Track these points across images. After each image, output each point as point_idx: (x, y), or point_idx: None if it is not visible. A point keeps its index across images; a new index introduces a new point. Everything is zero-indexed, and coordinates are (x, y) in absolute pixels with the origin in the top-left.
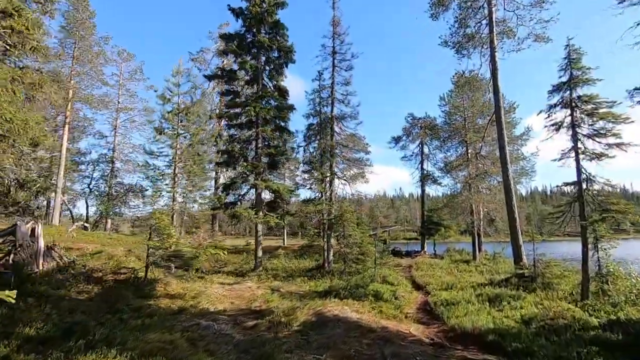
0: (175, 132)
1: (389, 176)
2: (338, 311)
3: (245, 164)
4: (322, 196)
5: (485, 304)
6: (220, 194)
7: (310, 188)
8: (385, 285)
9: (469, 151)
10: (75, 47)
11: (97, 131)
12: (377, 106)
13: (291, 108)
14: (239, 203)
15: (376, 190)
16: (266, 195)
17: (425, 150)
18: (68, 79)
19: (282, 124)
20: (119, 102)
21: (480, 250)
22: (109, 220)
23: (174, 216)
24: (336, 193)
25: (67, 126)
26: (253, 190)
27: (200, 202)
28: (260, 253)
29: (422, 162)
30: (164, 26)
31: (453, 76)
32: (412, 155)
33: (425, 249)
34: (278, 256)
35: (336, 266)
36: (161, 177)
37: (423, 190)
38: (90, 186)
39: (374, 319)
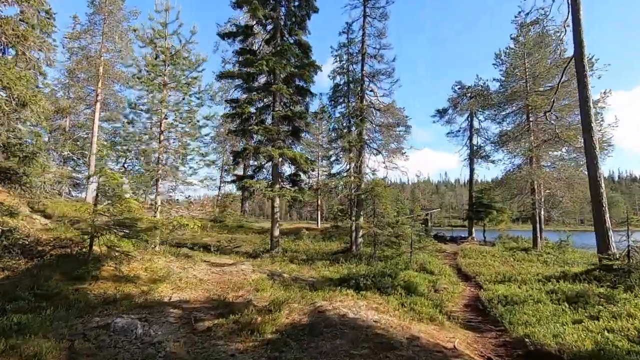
0: (161, 82)
1: (434, 161)
2: (348, 308)
3: (257, 127)
4: (349, 168)
5: (563, 304)
6: (235, 158)
7: (337, 159)
8: (422, 275)
9: (531, 119)
10: (104, 23)
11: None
12: (419, 80)
13: (314, 66)
14: (255, 177)
15: (418, 172)
16: (287, 169)
17: (475, 124)
18: (98, 55)
19: (304, 84)
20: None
21: (541, 237)
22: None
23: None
24: (367, 165)
25: (98, 103)
26: (271, 163)
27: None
28: (276, 232)
29: (470, 137)
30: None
31: (515, 17)
32: (459, 131)
33: (474, 235)
34: (302, 237)
35: (366, 250)
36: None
37: (472, 169)
38: (126, 165)
39: (400, 323)
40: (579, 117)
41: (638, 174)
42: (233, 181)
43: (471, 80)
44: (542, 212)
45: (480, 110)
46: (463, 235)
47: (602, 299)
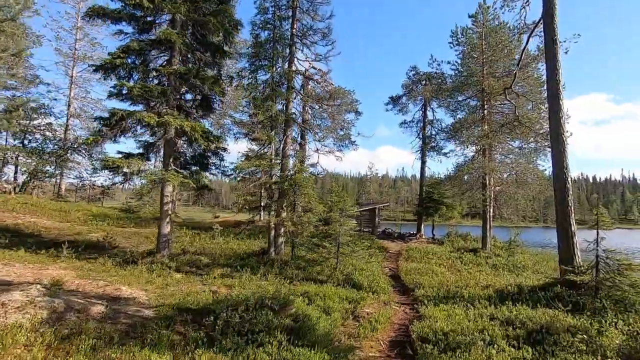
0: None
1: (396, 158)
2: None
3: (133, 86)
4: (269, 150)
5: (525, 348)
6: (100, 128)
7: (255, 139)
8: (342, 291)
9: (486, 107)
10: None
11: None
12: (372, 64)
13: (228, 15)
14: (145, 154)
15: (371, 164)
16: (197, 148)
17: (429, 114)
18: None
19: (214, 38)
20: (75, 49)
21: (489, 237)
22: (62, 183)
23: None
24: (292, 148)
25: None
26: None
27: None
28: (166, 229)
29: (423, 127)
30: None
31: None
32: (412, 121)
33: (422, 232)
34: (215, 235)
35: (289, 252)
36: None
37: (423, 162)
38: (25, 141)
39: None
40: (535, 105)
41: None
42: (104, 162)
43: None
44: (491, 210)
45: (434, 97)
46: (412, 232)
47: (575, 338)
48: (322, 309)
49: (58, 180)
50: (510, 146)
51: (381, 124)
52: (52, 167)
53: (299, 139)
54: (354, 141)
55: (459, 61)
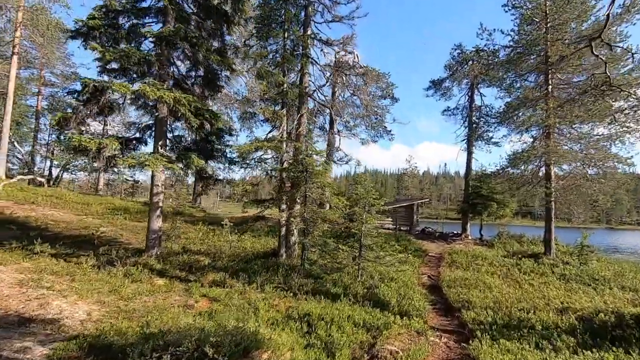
0: None
1: (438, 154)
2: None
3: (114, 51)
4: (279, 131)
5: None
6: (74, 102)
7: (268, 119)
8: (361, 311)
9: (550, 81)
10: None
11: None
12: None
13: None
14: (142, 137)
15: (409, 157)
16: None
17: (477, 100)
18: None
19: (223, 7)
20: None
21: (552, 239)
22: (101, 177)
23: None
24: (308, 129)
25: (15, 56)
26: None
27: None
28: (156, 225)
29: (470, 113)
30: None
31: None
32: (456, 109)
33: (468, 232)
34: (223, 231)
35: (307, 254)
36: None
37: (469, 153)
38: (61, 136)
39: None
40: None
41: None
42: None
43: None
44: (554, 207)
45: (483, 78)
46: (456, 232)
47: None
48: (322, 345)
49: (98, 174)
50: (578, 132)
51: (422, 117)
52: (84, 161)
53: (326, 126)
54: (390, 130)
55: (515, 28)
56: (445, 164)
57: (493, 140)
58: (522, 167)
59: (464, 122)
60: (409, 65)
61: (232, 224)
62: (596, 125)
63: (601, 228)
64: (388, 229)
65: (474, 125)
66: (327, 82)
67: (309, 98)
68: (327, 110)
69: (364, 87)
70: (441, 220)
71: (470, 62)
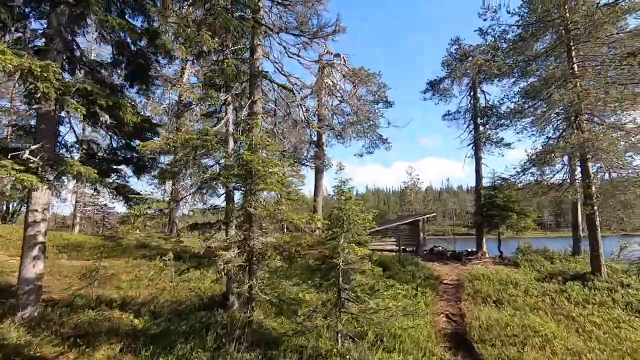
0: None
1: (439, 169)
2: None
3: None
4: (222, 124)
5: None
6: None
7: (210, 114)
8: None
9: (575, 57)
10: None
11: None
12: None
13: None
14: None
15: (409, 169)
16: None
17: (481, 100)
18: None
19: None
20: None
21: (601, 254)
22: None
23: None
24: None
25: None
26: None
27: None
28: (33, 270)
29: (474, 113)
30: None
31: None
32: (458, 112)
33: (485, 249)
34: (164, 267)
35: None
36: None
37: (478, 159)
38: None
39: None
40: None
41: None
42: None
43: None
44: (597, 212)
45: (488, 69)
46: (470, 250)
47: None
48: None
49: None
50: (615, 119)
51: (422, 133)
52: None
53: (314, 138)
54: (386, 138)
55: (523, 3)
56: (448, 179)
57: (504, 142)
58: (547, 169)
59: (467, 126)
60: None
61: (171, 258)
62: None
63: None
64: (391, 251)
65: (480, 125)
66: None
67: (263, 79)
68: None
69: (352, 90)
70: (450, 237)
71: (470, 58)
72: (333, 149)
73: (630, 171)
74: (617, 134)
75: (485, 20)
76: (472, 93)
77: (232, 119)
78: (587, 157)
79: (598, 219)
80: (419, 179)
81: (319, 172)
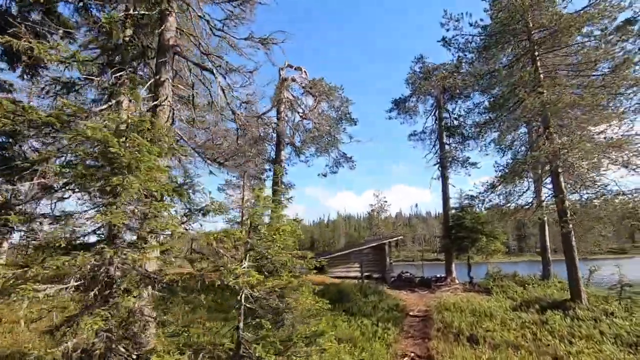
0: None
1: (409, 196)
2: None
3: None
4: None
5: None
6: None
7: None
8: None
9: (539, 63)
10: None
11: None
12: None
13: None
14: None
15: (376, 192)
16: None
17: (447, 118)
18: None
19: None
20: None
21: (579, 278)
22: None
23: None
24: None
25: None
26: None
27: None
28: None
29: (440, 132)
30: None
31: None
32: (424, 133)
33: (454, 275)
34: None
35: None
36: None
37: (444, 179)
38: None
39: None
40: None
41: None
42: None
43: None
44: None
45: (453, 77)
46: (439, 276)
47: None
48: None
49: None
50: (585, 131)
51: (395, 160)
52: None
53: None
54: (350, 157)
55: (487, 11)
56: (417, 205)
57: (470, 160)
58: (514, 187)
59: (433, 146)
60: (369, 88)
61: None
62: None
63: (613, 258)
64: (356, 277)
65: (446, 145)
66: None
67: (175, 55)
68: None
69: (314, 104)
70: (418, 262)
71: (434, 77)
72: (296, 169)
73: (600, 187)
74: (590, 145)
75: (448, 30)
76: (437, 112)
77: (126, 104)
78: (559, 170)
79: (574, 239)
80: (386, 202)
81: (276, 193)
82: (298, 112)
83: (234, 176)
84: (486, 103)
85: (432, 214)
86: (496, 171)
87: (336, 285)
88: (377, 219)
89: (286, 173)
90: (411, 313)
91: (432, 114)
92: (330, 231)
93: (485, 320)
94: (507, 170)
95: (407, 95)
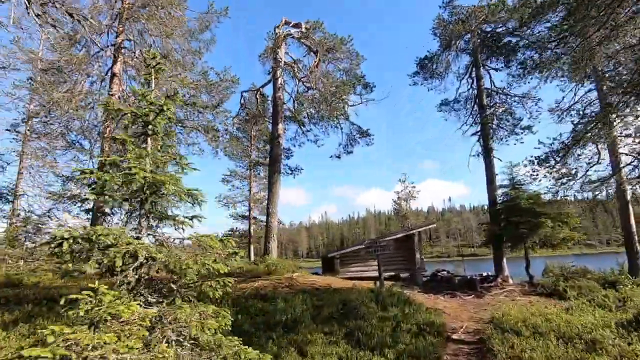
0: None
1: (441, 191)
2: None
3: None
4: None
5: None
6: None
7: None
8: None
9: None
10: None
11: None
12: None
13: None
14: None
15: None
16: None
17: (486, 81)
18: None
19: None
20: None
21: None
22: None
23: None
24: None
25: None
26: None
27: None
28: None
29: (479, 95)
30: None
31: None
32: (457, 101)
33: (506, 272)
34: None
35: None
36: None
37: (487, 150)
38: None
39: None
40: None
41: None
42: None
43: None
44: None
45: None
46: (486, 274)
47: None
48: None
49: None
50: None
51: (425, 157)
52: None
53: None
54: (366, 130)
55: None
56: (450, 198)
57: (522, 125)
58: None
59: (470, 113)
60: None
61: None
62: None
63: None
64: (376, 278)
65: (489, 109)
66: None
67: None
68: None
69: (315, 61)
70: (456, 259)
71: (470, 26)
72: (305, 151)
73: None
74: None
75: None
76: (474, 69)
77: None
78: None
79: None
80: (414, 187)
81: (273, 175)
82: (298, 77)
83: (240, 165)
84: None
85: (466, 207)
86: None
87: (344, 291)
88: (406, 209)
89: (292, 155)
90: (455, 336)
91: (468, 74)
92: (359, 228)
93: (579, 346)
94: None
95: (434, 53)
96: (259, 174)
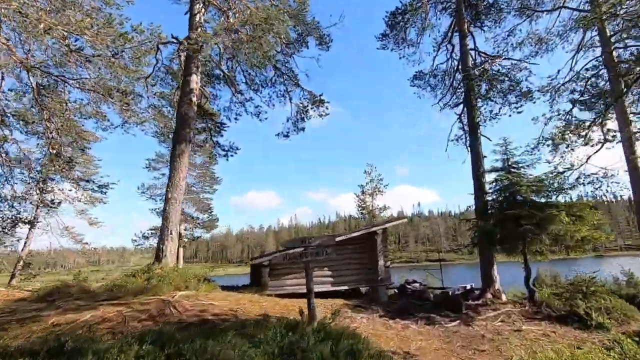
0: None
1: (411, 197)
2: None
3: None
4: None
5: None
6: None
7: None
8: None
9: None
10: None
11: None
12: None
13: None
14: None
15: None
16: None
17: (471, 44)
18: None
19: None
20: None
21: None
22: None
23: None
24: None
25: None
26: None
27: None
28: None
29: (462, 59)
30: None
31: None
32: (434, 74)
33: (498, 284)
34: None
35: None
36: None
37: (473, 128)
38: None
39: None
40: None
41: None
42: None
43: None
44: None
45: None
46: (470, 286)
47: None
48: None
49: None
50: None
51: (395, 162)
52: None
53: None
54: (320, 96)
55: None
56: (419, 204)
57: (520, 88)
58: None
59: (451, 85)
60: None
61: None
62: None
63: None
64: (325, 294)
65: (477, 72)
66: None
67: None
68: None
69: None
70: (426, 264)
71: None
72: (238, 129)
73: None
74: None
75: None
76: (456, 34)
77: None
78: None
79: None
80: (381, 180)
81: (178, 146)
82: (218, 6)
83: (166, 147)
84: None
85: (434, 212)
86: None
87: (248, 328)
88: (371, 206)
89: (225, 129)
90: None
91: (448, 40)
92: (329, 231)
93: None
94: None
95: (407, 5)
96: (194, 161)
